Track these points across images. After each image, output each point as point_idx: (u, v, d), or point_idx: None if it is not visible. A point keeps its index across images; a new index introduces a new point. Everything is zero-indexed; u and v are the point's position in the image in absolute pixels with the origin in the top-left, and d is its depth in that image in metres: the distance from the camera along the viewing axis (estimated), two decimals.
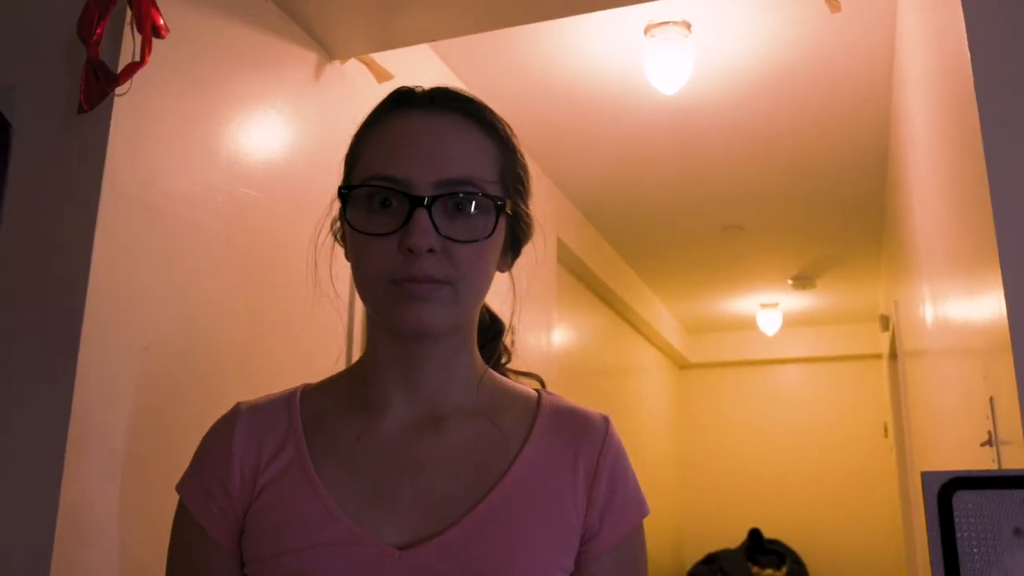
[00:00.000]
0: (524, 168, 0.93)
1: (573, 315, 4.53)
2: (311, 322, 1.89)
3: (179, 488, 0.88)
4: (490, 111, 0.90)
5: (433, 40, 2.09)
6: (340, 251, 0.92)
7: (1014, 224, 1.15)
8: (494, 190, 0.86)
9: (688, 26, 2.50)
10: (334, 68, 2.08)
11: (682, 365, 7.86)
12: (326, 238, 0.94)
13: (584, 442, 0.88)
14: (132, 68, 1.19)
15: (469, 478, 0.83)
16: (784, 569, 6.78)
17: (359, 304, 2.07)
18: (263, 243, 1.75)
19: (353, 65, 2.14)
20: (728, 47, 2.64)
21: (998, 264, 1.15)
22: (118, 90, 1.17)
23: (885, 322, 4.92)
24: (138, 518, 1.37)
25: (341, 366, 1.98)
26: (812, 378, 7.54)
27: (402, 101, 0.88)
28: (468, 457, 0.85)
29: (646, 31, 2.53)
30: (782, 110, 3.08)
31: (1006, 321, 1.13)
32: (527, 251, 0.96)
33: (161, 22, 1.24)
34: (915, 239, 2.60)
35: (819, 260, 5.33)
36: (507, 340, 1.01)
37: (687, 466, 7.67)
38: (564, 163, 3.59)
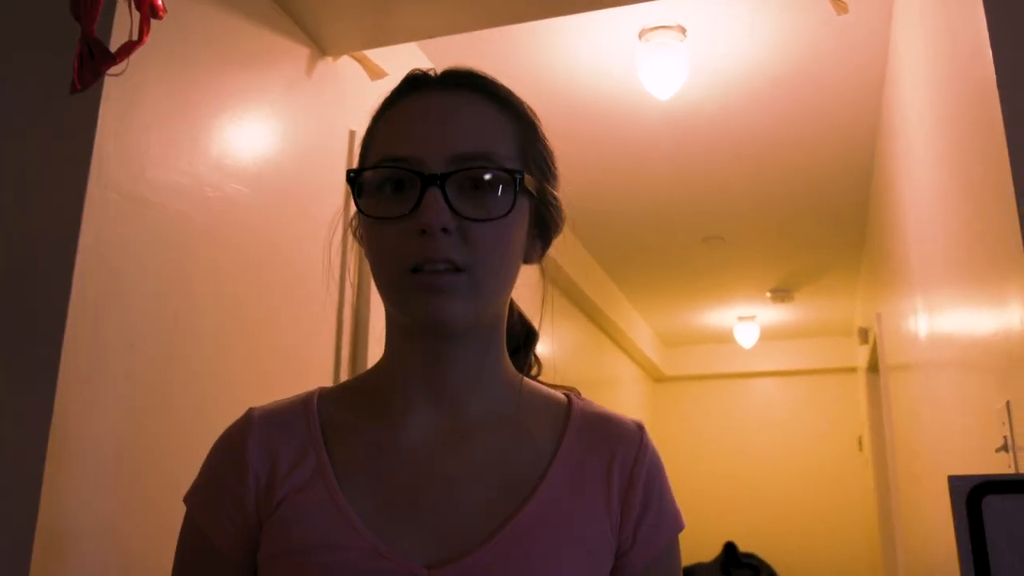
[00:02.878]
0: (548, 149, 0.88)
1: (548, 324, 4.46)
2: (300, 321, 1.83)
3: (187, 500, 0.82)
4: (506, 88, 0.85)
5: (427, 37, 2.05)
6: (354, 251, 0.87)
7: None
8: (513, 166, 0.79)
9: (683, 31, 2.48)
10: (326, 64, 2.02)
11: (657, 378, 7.84)
12: (342, 237, 0.89)
13: (618, 451, 0.83)
14: (130, 47, 1.12)
15: (498, 494, 0.78)
16: None
17: (349, 303, 2.02)
18: (252, 239, 1.69)
19: (345, 62, 2.08)
20: (722, 53, 2.62)
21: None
22: (114, 70, 1.11)
23: (864, 335, 4.93)
24: (125, 530, 1.30)
25: (330, 365, 1.93)
26: (788, 391, 7.56)
27: (414, 84, 0.83)
28: (496, 470, 0.79)
29: (640, 35, 2.50)
30: (772, 120, 3.07)
31: None
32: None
33: (159, 2, 1.18)
34: (906, 251, 2.59)
35: (798, 273, 5.34)
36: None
37: None
38: None
